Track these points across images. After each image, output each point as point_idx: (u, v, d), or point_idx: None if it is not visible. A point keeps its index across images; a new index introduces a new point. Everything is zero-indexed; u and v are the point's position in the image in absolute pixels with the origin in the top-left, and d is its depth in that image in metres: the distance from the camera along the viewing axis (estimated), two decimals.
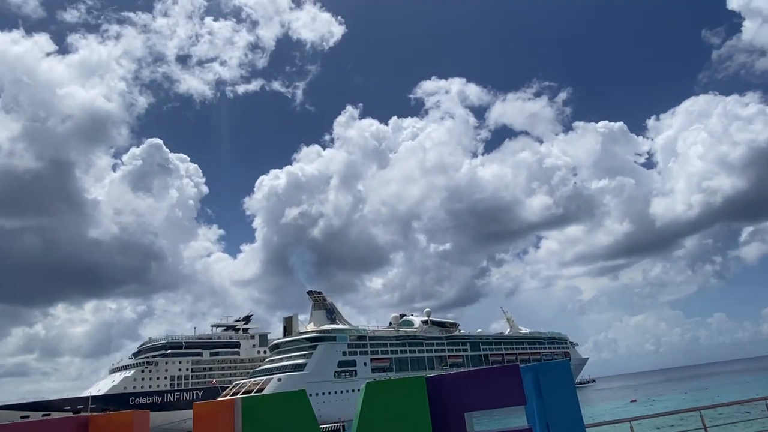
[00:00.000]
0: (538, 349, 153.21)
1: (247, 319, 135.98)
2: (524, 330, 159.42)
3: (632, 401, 67.00)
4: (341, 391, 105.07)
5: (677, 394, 70.24)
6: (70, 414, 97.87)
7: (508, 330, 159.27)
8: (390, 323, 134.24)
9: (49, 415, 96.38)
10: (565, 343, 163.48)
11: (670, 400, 59.58)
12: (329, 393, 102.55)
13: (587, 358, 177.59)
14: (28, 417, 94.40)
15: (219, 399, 76.21)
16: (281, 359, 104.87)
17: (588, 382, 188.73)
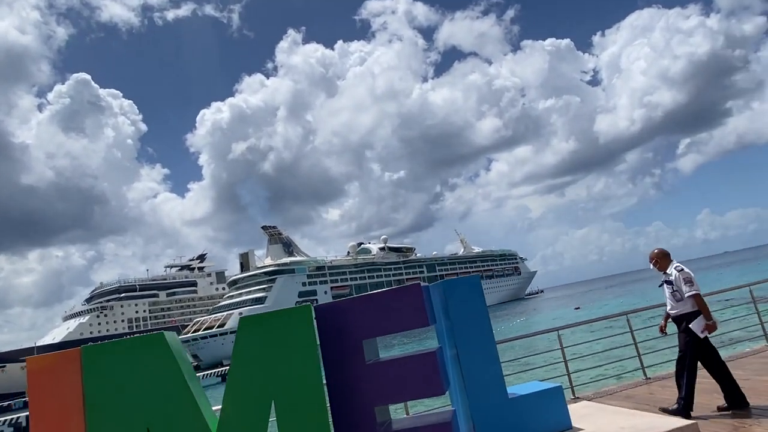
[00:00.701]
0: (490, 266, 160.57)
1: (201, 257, 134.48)
2: (477, 249, 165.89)
3: (576, 308, 71.89)
4: None
5: (615, 298, 75.91)
6: (25, 365, 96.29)
7: (462, 250, 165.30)
8: (348, 252, 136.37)
9: (4, 367, 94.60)
10: (515, 259, 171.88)
11: (608, 305, 64.31)
12: None
13: (536, 271, 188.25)
14: None
15: (180, 337, 75.29)
16: (240, 294, 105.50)
17: (537, 293, 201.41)
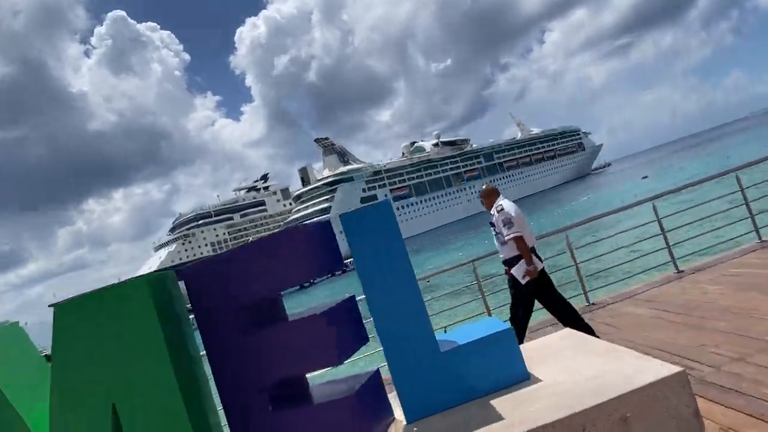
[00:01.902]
0: (551, 146, 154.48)
1: (264, 177, 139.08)
2: (535, 131, 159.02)
3: (644, 178, 68.77)
4: None
5: (686, 161, 71.51)
6: None
7: (520, 134, 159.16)
8: (402, 153, 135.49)
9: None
10: (578, 134, 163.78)
11: (678, 169, 60.91)
12: None
13: (601, 144, 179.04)
14: None
15: None
16: (306, 207, 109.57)
17: (604, 167, 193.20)
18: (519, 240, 4.46)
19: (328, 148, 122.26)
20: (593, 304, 5.90)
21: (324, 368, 2.87)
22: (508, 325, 3.11)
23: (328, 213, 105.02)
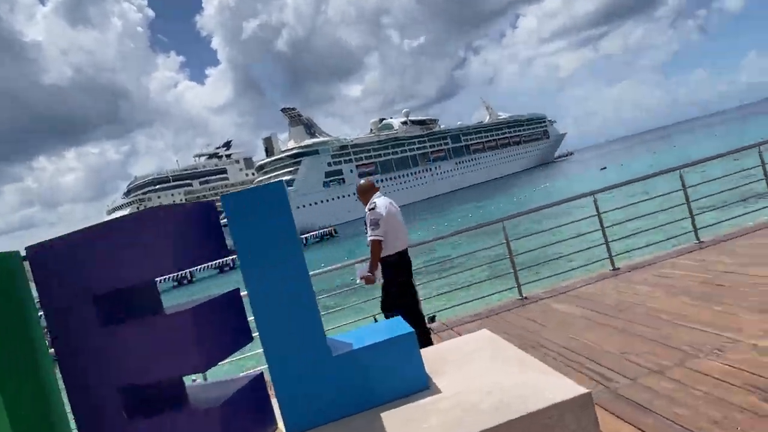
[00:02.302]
0: (517, 131, 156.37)
1: (227, 144, 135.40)
2: (503, 116, 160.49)
3: (602, 169, 70.43)
4: (332, 199, 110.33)
5: (645, 156, 73.60)
6: None
7: (488, 118, 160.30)
8: (371, 129, 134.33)
9: None
10: (544, 122, 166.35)
11: (636, 163, 62.58)
12: (321, 202, 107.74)
13: (565, 133, 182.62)
14: None
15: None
16: (269, 179, 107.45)
17: (567, 155, 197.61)
18: (375, 244, 4.19)
19: (294, 118, 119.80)
20: (525, 298, 5.77)
21: (188, 374, 2.51)
22: (410, 330, 2.77)
23: (292, 186, 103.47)
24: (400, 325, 2.91)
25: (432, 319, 9.63)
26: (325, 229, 76.68)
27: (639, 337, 3.80)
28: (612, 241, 6.19)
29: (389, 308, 4.30)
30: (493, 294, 6.50)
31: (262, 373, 2.71)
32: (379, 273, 4.25)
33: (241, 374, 2.90)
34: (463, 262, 15.42)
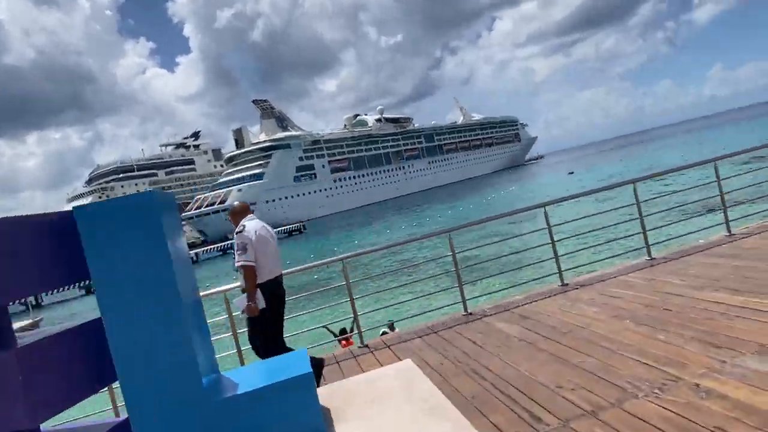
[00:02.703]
0: (490, 133, 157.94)
1: (195, 135, 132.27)
2: (477, 117, 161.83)
3: (570, 173, 71.64)
4: (303, 194, 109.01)
5: (613, 162, 75.22)
6: None
7: (462, 119, 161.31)
8: (344, 125, 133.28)
9: None
10: (516, 125, 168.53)
11: (604, 169, 63.86)
12: (291, 197, 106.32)
13: (536, 137, 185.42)
14: None
15: (183, 214, 76.20)
16: (238, 170, 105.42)
17: (537, 158, 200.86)
18: (247, 270, 3.84)
19: (266, 111, 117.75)
20: (470, 314, 5.44)
21: (13, 429, 2.05)
22: (308, 371, 2.37)
23: (261, 179, 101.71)
24: (297, 363, 2.51)
25: (392, 327, 9.35)
26: (294, 225, 75.55)
27: (577, 369, 3.50)
28: (563, 255, 5.95)
29: (257, 339, 3.96)
30: (440, 308, 6.17)
31: (128, 419, 2.26)
32: (260, 297, 3.85)
33: (103, 420, 2.44)
34: (412, 273, 15.25)
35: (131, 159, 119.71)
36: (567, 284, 5.77)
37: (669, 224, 7.44)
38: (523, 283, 6.39)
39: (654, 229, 6.50)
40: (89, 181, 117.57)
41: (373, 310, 6.14)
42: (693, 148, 64.89)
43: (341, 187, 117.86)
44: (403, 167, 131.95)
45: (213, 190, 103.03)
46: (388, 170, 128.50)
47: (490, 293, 6.31)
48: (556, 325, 4.55)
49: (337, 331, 11.03)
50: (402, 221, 53.07)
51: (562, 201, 6.03)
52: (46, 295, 50.86)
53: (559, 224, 6.08)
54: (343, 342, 11.02)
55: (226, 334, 5.16)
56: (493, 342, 4.48)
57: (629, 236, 6.49)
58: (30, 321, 28.60)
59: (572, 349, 3.89)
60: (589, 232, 6.70)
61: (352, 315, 5.33)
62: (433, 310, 6.12)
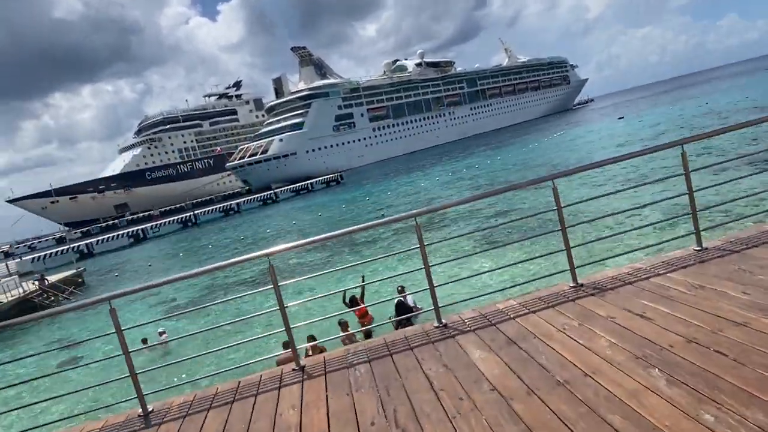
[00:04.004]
0: (537, 76, 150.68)
1: (237, 85, 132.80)
2: (523, 59, 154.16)
3: (620, 119, 67.80)
4: (342, 143, 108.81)
5: (667, 107, 70.42)
6: (95, 195, 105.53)
7: (506, 61, 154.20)
8: (384, 71, 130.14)
9: (75, 198, 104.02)
10: (565, 67, 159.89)
11: (656, 114, 59.91)
12: (331, 146, 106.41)
13: (586, 79, 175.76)
14: (57, 202, 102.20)
15: (227, 165, 78.26)
16: (278, 121, 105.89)
17: (586, 102, 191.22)
18: None
19: (305, 58, 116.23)
20: (444, 325, 4.52)
21: None
22: None
23: (301, 128, 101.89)
24: None
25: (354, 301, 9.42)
26: (332, 176, 75.87)
27: None
28: (578, 246, 4.85)
29: None
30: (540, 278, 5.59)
31: None
32: None
33: None
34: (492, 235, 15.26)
35: (177, 110, 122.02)
36: (581, 285, 4.61)
37: (732, 200, 6.20)
38: (533, 280, 5.63)
39: (709, 208, 5.34)
40: (138, 132, 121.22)
41: (454, 281, 5.50)
42: (760, 91, 59.62)
43: (380, 136, 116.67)
44: (444, 114, 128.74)
45: (255, 141, 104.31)
46: (429, 117, 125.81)
47: (466, 300, 5.67)
48: (549, 363, 3.44)
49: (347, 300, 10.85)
50: (439, 172, 52.20)
51: (579, 171, 5.01)
52: (97, 243, 53.99)
53: (575, 203, 5.24)
54: (357, 312, 10.88)
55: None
56: (452, 388, 3.44)
57: (673, 218, 5.47)
58: (73, 272, 30.25)
59: (563, 422, 2.79)
60: (620, 213, 5.65)
61: (428, 287, 4.56)
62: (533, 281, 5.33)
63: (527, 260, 10.09)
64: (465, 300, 5.65)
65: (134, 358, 4.21)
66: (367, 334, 9.74)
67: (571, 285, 4.70)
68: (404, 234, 20.44)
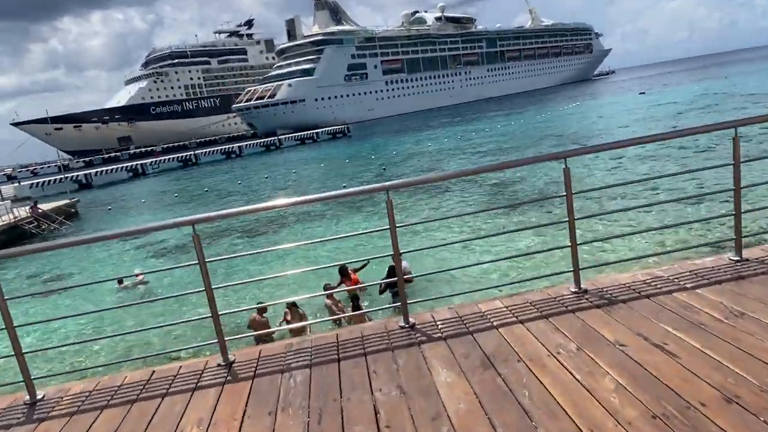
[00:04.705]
0: (559, 42, 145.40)
1: (249, 23, 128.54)
2: (547, 22, 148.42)
3: (641, 93, 65.33)
4: (352, 94, 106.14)
5: (691, 84, 67.72)
6: (99, 125, 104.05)
7: (530, 23, 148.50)
8: (402, 22, 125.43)
9: (80, 127, 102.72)
10: (589, 35, 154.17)
11: (681, 91, 57.53)
12: (341, 96, 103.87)
13: (609, 50, 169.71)
14: (61, 129, 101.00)
15: (234, 106, 76.93)
16: (289, 65, 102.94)
17: (607, 74, 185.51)
18: None
19: (321, 1, 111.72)
20: (412, 326, 3.70)
21: None
22: None
23: (311, 75, 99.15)
24: None
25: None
26: (338, 127, 74.11)
27: None
28: (585, 243, 4.09)
29: None
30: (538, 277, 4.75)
31: None
32: None
33: None
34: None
35: (186, 45, 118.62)
36: (584, 291, 3.77)
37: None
38: (532, 278, 4.59)
39: (755, 210, 4.38)
40: (145, 65, 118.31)
41: (429, 273, 4.61)
42: None
43: (392, 90, 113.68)
44: (460, 73, 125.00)
45: (263, 84, 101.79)
46: (444, 75, 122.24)
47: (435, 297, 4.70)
48: (532, 406, 2.59)
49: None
50: (449, 133, 50.68)
51: (599, 150, 4.18)
52: (97, 175, 53.25)
53: (589, 189, 4.26)
54: (348, 284, 10.15)
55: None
56: (401, 426, 2.62)
57: (711, 219, 4.44)
58: (67, 201, 29.60)
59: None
60: (643, 208, 4.79)
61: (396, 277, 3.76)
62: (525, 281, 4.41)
63: (522, 255, 8.45)
64: (439, 298, 4.78)
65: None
66: (354, 301, 9.02)
67: (573, 290, 3.83)
68: (381, 206, 17.77)
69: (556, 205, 12.21)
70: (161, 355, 4.24)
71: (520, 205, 13.28)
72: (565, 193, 3.73)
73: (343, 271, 9.99)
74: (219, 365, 3.52)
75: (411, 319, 3.72)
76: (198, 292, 3.56)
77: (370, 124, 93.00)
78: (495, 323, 3.54)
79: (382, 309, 7.82)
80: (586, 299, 3.67)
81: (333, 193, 3.60)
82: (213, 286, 3.49)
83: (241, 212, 3.62)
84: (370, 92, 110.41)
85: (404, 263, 10.14)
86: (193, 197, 31.07)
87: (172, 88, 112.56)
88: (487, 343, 3.30)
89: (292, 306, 8.51)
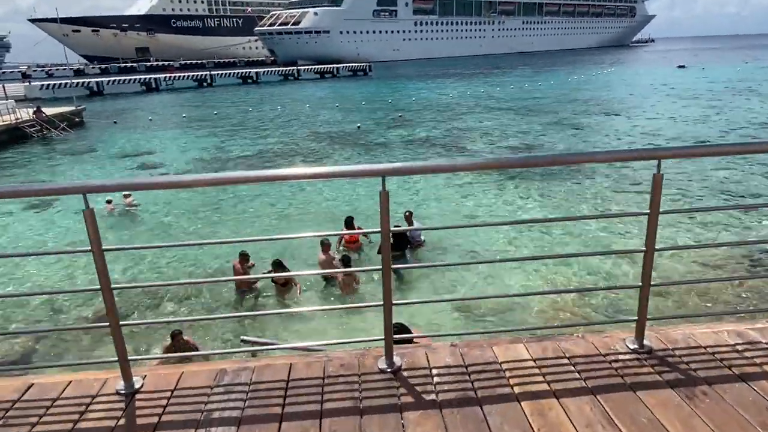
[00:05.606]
0: (603, 1, 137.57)
1: None
2: None
3: (680, 67, 62.12)
4: (379, 31, 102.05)
5: (734, 64, 64.19)
6: (117, 32, 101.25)
7: None
8: None
9: (98, 32, 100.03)
10: None
11: (724, 69, 54.49)
12: (367, 32, 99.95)
13: (653, 16, 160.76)
14: (79, 32, 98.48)
15: (256, 29, 73.83)
16: None
17: (646, 42, 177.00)
18: None
19: None
20: (398, 368, 2.67)
21: None
22: None
23: (339, 5, 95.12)
24: None
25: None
26: (360, 64, 71.60)
27: None
28: (657, 284, 3.16)
29: None
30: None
31: None
32: None
33: None
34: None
35: None
36: (648, 351, 2.63)
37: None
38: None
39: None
40: None
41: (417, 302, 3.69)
42: None
43: (421, 32, 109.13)
44: (494, 22, 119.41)
45: (289, 9, 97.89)
46: (476, 23, 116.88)
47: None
48: None
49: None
50: (474, 86, 48.75)
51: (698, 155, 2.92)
52: (109, 84, 52.16)
53: (687, 210, 2.73)
54: (348, 237, 9.77)
55: None
56: None
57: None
58: (72, 109, 28.92)
59: None
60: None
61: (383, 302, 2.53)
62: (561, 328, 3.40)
63: (564, 291, 6.43)
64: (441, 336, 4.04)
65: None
66: (346, 261, 8.60)
67: (631, 346, 2.68)
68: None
69: (629, 225, 9.57)
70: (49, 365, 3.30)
71: (581, 219, 10.09)
72: (648, 211, 2.47)
73: (348, 222, 9.59)
74: (118, 393, 2.51)
75: (396, 359, 2.62)
76: (93, 290, 2.43)
77: (393, 65, 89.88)
78: (514, 385, 2.43)
79: (370, 269, 7.26)
80: (651, 366, 2.52)
81: (320, 170, 2.41)
82: (112, 285, 2.38)
83: (173, 184, 2.58)
84: (398, 31, 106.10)
85: (416, 223, 9.68)
86: (202, 122, 30.27)
87: (195, 1, 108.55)
88: (495, 416, 2.24)
89: (278, 266, 8.25)
